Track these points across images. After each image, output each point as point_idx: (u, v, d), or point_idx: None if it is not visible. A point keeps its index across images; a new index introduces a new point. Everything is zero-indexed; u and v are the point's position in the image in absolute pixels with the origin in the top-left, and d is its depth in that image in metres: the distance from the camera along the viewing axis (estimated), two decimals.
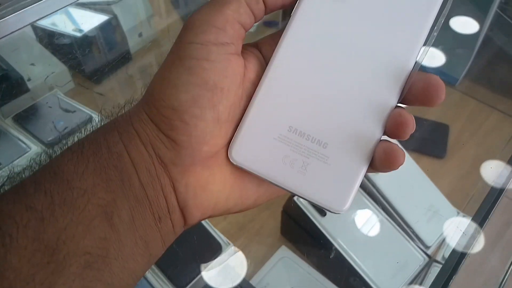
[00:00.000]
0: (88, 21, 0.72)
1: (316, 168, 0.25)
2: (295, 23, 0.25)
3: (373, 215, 0.54)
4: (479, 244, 0.49)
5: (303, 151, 0.25)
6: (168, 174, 0.23)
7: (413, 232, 0.53)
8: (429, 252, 0.52)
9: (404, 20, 0.25)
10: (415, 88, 0.24)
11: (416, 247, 0.52)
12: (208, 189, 0.24)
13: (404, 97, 0.25)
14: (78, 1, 0.64)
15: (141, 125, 0.23)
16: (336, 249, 0.50)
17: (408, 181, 0.55)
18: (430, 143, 0.66)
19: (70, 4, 0.58)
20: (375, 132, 0.24)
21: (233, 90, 0.24)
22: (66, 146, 0.24)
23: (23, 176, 0.23)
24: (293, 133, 0.25)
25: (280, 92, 0.25)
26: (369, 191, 0.54)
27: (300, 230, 0.53)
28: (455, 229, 0.53)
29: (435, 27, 0.25)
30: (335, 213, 0.25)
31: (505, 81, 0.73)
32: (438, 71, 0.73)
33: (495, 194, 0.53)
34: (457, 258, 0.46)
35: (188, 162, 0.23)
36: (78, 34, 0.70)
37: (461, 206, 0.57)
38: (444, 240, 0.53)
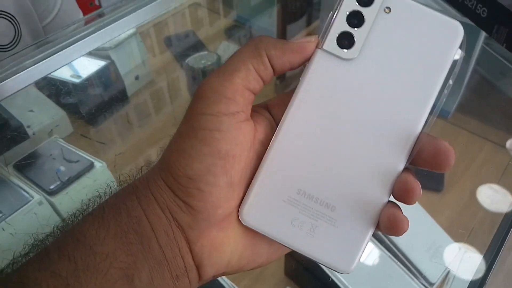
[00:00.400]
0: (86, 67, 0.73)
1: (324, 230, 0.25)
2: (304, 86, 0.26)
3: (377, 254, 0.54)
4: (489, 279, 0.49)
5: (312, 214, 0.25)
6: (185, 236, 0.24)
7: (417, 269, 0.53)
8: None
9: (412, 84, 0.25)
10: (425, 153, 0.24)
11: (420, 284, 0.52)
12: (222, 250, 0.25)
13: (414, 160, 0.25)
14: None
15: (158, 190, 0.24)
16: None
17: (410, 219, 0.55)
18: (427, 177, 0.67)
19: (72, 61, 0.60)
20: (382, 197, 0.25)
21: (244, 155, 0.25)
22: (88, 211, 0.24)
23: (47, 242, 0.24)
24: (302, 196, 0.25)
25: (289, 155, 0.25)
26: None
27: (303, 270, 0.53)
28: (458, 264, 0.53)
29: (445, 89, 0.25)
30: (342, 273, 0.26)
31: (494, 113, 0.75)
32: None
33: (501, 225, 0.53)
34: None
35: (204, 225, 0.24)
36: (76, 81, 0.71)
37: (462, 239, 0.57)
38: (447, 275, 0.53)
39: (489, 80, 0.77)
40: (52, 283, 0.21)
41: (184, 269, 0.24)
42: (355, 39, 0.25)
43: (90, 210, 0.25)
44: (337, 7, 0.26)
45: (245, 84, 0.25)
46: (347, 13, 0.25)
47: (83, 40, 0.63)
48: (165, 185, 0.24)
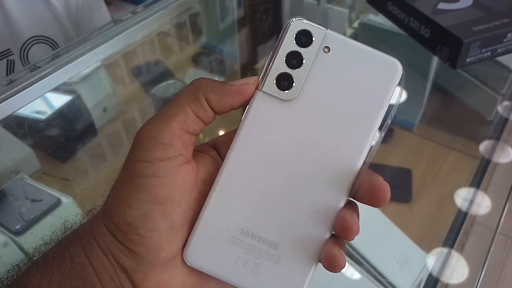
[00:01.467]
0: (52, 102, 0.73)
1: (268, 268, 0.25)
2: (244, 127, 0.26)
3: (347, 268, 0.54)
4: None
5: (255, 252, 0.26)
6: (130, 280, 0.24)
7: (387, 281, 0.53)
8: None
9: (351, 123, 0.25)
10: (362, 189, 0.25)
11: None
12: None
13: (354, 196, 0.26)
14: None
15: (101, 236, 0.24)
16: None
17: (377, 232, 0.56)
18: (395, 188, 0.67)
19: (37, 98, 0.60)
20: (323, 233, 0.25)
21: (184, 197, 0.25)
22: (32, 261, 0.25)
23: None
24: (245, 235, 0.26)
25: (231, 195, 0.26)
26: None
27: None
28: (427, 273, 0.54)
29: (384, 126, 0.26)
30: None
31: (457, 122, 0.77)
32: (394, 118, 0.76)
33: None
34: None
35: (148, 268, 0.24)
36: (42, 117, 0.71)
37: (431, 249, 0.58)
38: (418, 286, 0.54)
39: (449, 91, 0.80)
40: None
41: None
42: (294, 80, 0.25)
43: (34, 259, 0.25)
44: (276, 48, 0.26)
45: (183, 128, 0.25)
46: (286, 54, 0.25)
47: (49, 77, 0.63)
48: (107, 231, 0.24)
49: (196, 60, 1.00)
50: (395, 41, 0.76)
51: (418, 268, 0.54)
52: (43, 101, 0.72)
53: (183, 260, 0.26)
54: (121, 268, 0.24)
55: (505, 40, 0.55)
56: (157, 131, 0.24)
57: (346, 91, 0.25)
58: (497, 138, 0.70)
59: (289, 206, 0.26)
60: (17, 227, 0.54)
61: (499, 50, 0.56)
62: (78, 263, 0.24)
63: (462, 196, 0.64)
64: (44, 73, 0.63)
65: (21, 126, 0.69)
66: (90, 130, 0.77)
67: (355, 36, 0.92)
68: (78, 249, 0.24)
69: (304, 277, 0.25)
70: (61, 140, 0.73)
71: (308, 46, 0.25)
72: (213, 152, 0.28)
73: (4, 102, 0.59)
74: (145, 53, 0.96)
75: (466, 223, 0.61)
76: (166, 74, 0.92)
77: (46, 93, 0.64)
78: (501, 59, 0.78)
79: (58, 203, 0.56)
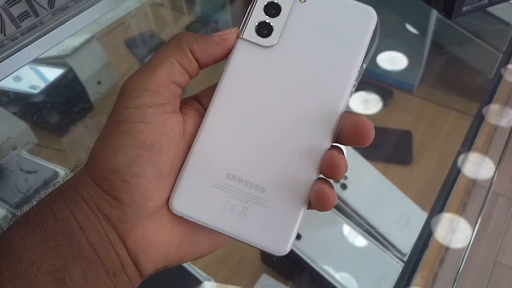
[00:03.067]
0: (43, 77, 0.72)
1: (255, 212, 0.25)
2: (227, 74, 0.26)
3: (347, 230, 0.54)
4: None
5: (242, 196, 0.25)
6: (116, 232, 0.24)
7: (388, 242, 0.53)
8: (406, 259, 0.53)
9: (331, 68, 0.26)
10: (345, 130, 0.25)
11: (393, 256, 0.53)
12: (157, 242, 0.25)
13: (337, 139, 0.26)
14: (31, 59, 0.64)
15: (85, 188, 0.24)
16: (314, 269, 0.51)
17: (377, 193, 0.56)
18: (395, 151, 0.67)
19: (25, 65, 0.58)
20: (310, 175, 0.25)
21: (172, 146, 0.25)
22: (13, 220, 0.24)
23: None
24: (231, 179, 0.26)
25: (216, 140, 0.26)
26: (340, 207, 0.54)
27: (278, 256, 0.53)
28: (427, 234, 0.54)
29: (363, 64, 0.26)
30: (277, 255, 0.25)
31: (457, 82, 0.76)
32: (394, 80, 0.75)
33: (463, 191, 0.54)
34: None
35: (134, 218, 0.24)
36: (35, 91, 0.70)
37: (431, 210, 0.58)
38: (418, 246, 0.54)
39: (448, 50, 0.78)
40: None
41: (121, 265, 0.24)
42: (273, 28, 0.26)
43: (15, 219, 0.24)
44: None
45: (170, 77, 0.25)
46: (264, 4, 0.27)
47: (31, 45, 0.62)
48: (91, 182, 0.24)
49: (190, 30, 0.99)
50: None
51: (418, 229, 0.54)
52: (34, 76, 0.71)
53: (170, 211, 0.25)
54: (106, 219, 0.23)
55: None
56: (145, 79, 0.24)
57: (323, 38, 0.26)
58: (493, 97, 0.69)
59: (275, 149, 0.26)
60: (16, 200, 0.54)
61: None
62: (62, 218, 0.23)
63: (462, 157, 0.64)
64: (27, 41, 0.61)
65: (14, 102, 0.68)
66: (85, 104, 0.76)
67: None
68: (61, 204, 0.23)
69: (293, 220, 0.25)
70: (55, 114, 0.72)
71: None
72: (197, 104, 0.27)
73: None
74: (138, 25, 0.95)
75: (466, 184, 0.61)
76: (160, 45, 0.90)
77: (28, 63, 0.63)
78: (500, 13, 0.76)
79: (55, 175, 0.56)
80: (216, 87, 0.27)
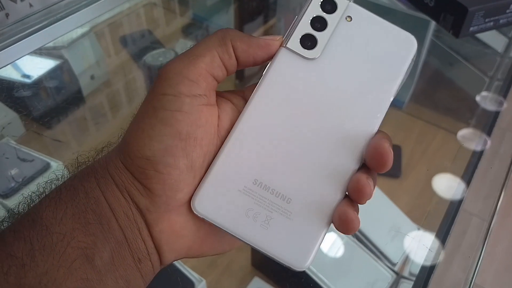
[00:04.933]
0: (38, 67, 0.71)
1: (279, 223, 0.25)
2: (266, 80, 0.26)
3: (339, 238, 0.55)
4: (442, 256, 0.51)
5: (267, 205, 0.25)
6: (144, 219, 0.24)
7: (379, 251, 0.54)
8: (396, 268, 0.54)
9: (368, 89, 0.26)
10: (367, 151, 0.25)
11: (383, 265, 0.54)
12: (182, 235, 0.25)
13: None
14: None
15: (116, 172, 0.24)
16: (307, 274, 0.51)
17: (370, 202, 0.57)
18: None
19: (18, 59, 0.57)
20: (336, 194, 0.25)
21: (206, 139, 0.24)
22: (44, 194, 0.24)
23: (2, 227, 0.23)
24: (258, 186, 0.25)
25: (248, 145, 0.25)
26: None
27: (269, 260, 0.54)
28: (418, 244, 0.55)
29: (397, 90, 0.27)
30: (296, 270, 0.25)
31: (445, 102, 0.79)
32: None
33: (451, 208, 0.56)
34: (426, 273, 0.48)
35: (163, 209, 0.24)
36: (28, 81, 0.68)
37: (420, 222, 0.59)
38: (408, 256, 0.55)
39: (439, 71, 0.81)
40: (7, 264, 0.21)
41: (146, 252, 0.24)
42: (317, 41, 0.27)
43: (46, 192, 0.24)
44: (303, 11, 0.27)
45: (209, 70, 0.25)
46: (311, 17, 0.27)
47: (31, 36, 0.61)
48: (123, 167, 0.24)
49: (185, 31, 0.99)
50: (388, 17, 0.76)
51: (408, 239, 0.55)
52: (28, 66, 0.69)
53: None
54: (136, 206, 0.23)
55: (507, 11, 0.56)
56: (184, 67, 0.24)
57: (364, 59, 0.27)
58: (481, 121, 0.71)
59: (305, 162, 0.25)
60: (5, 189, 0.52)
61: (501, 21, 0.57)
62: (93, 197, 0.23)
63: (446, 176, 0.66)
64: (25, 32, 0.60)
65: (5, 90, 0.67)
66: (77, 97, 0.75)
67: None
68: (93, 184, 0.23)
69: (316, 236, 0.25)
70: (47, 105, 0.71)
71: (332, 13, 0.27)
72: (239, 99, 0.27)
73: None
74: (132, 24, 0.94)
75: (453, 203, 0.63)
76: (155, 45, 0.90)
77: (27, 54, 0.62)
78: (488, 40, 0.79)
79: (47, 166, 0.55)
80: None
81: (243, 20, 1.02)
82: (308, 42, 0.27)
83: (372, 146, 0.25)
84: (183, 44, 0.92)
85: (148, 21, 0.97)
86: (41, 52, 0.71)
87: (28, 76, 0.69)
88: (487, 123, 0.70)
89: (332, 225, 0.25)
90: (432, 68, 0.81)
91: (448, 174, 0.66)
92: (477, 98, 0.75)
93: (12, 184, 0.53)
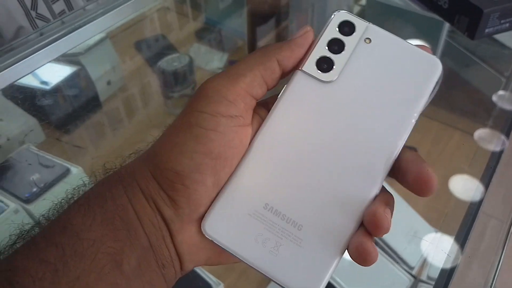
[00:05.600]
0: (56, 73, 0.72)
1: (288, 250, 0.24)
2: (281, 103, 0.26)
3: None
4: (461, 259, 0.51)
5: (277, 231, 0.24)
6: (167, 228, 0.24)
7: (396, 254, 0.54)
8: (414, 272, 0.54)
9: (388, 114, 0.25)
10: (408, 177, 0.24)
11: (401, 269, 0.54)
12: (201, 247, 0.25)
13: (399, 180, 0.25)
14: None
15: (144, 181, 0.24)
16: None
17: None
18: None
19: (39, 67, 0.58)
20: (350, 223, 0.24)
21: (236, 158, 0.25)
22: (73, 200, 0.24)
23: (34, 232, 0.24)
24: (268, 211, 0.24)
25: (260, 168, 0.25)
26: None
27: None
28: (436, 247, 0.55)
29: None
30: None
31: (462, 103, 0.78)
32: None
33: (470, 210, 0.55)
34: (445, 276, 0.47)
35: (186, 220, 0.24)
36: (47, 87, 0.70)
37: (437, 224, 0.59)
38: (426, 259, 0.55)
39: (455, 72, 0.80)
40: (41, 269, 0.21)
41: (170, 258, 0.24)
42: (334, 64, 0.26)
43: (75, 199, 0.25)
44: (320, 33, 0.27)
45: (248, 90, 0.25)
46: (328, 40, 0.26)
47: (50, 46, 0.62)
48: (151, 176, 0.24)
49: (199, 35, 0.99)
50: (402, 19, 0.76)
51: (426, 242, 0.55)
52: (47, 72, 0.71)
53: None
54: (160, 215, 0.24)
55: None
56: (224, 87, 0.24)
57: (384, 81, 0.25)
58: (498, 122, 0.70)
59: (318, 188, 0.24)
60: (27, 194, 0.53)
61: None
62: (120, 204, 0.24)
63: (464, 177, 0.65)
64: (45, 42, 0.61)
65: (25, 97, 0.68)
66: (94, 103, 0.76)
67: (362, 14, 0.92)
68: (120, 191, 0.24)
69: (327, 266, 0.23)
70: (66, 111, 0.72)
71: (350, 35, 0.26)
72: (264, 111, 0.27)
73: (3, 71, 0.58)
74: (146, 29, 0.95)
75: (469, 206, 0.62)
76: (169, 49, 0.91)
77: (47, 63, 0.63)
78: (505, 40, 0.78)
79: (67, 171, 0.56)
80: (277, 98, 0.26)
81: (256, 23, 1.02)
82: (325, 64, 0.26)
83: (416, 171, 0.23)
84: (196, 48, 0.93)
85: (162, 26, 0.98)
86: (58, 59, 0.72)
87: (46, 83, 0.70)
88: (505, 123, 0.70)
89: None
90: (448, 69, 0.81)
91: (466, 176, 0.66)
92: (494, 97, 0.74)
93: (34, 189, 0.55)
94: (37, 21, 0.60)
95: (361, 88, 0.25)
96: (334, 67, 0.26)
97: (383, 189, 0.25)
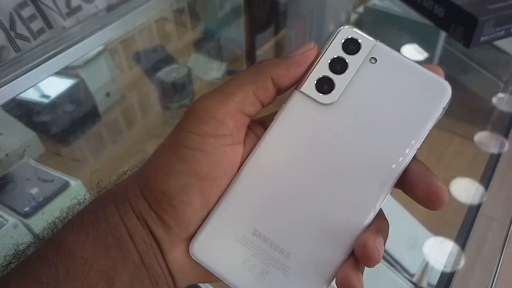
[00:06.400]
0: (55, 86, 0.72)
1: (274, 278, 0.23)
2: (276, 126, 0.25)
3: None
4: (463, 263, 0.50)
5: (264, 257, 0.24)
6: (158, 247, 0.24)
7: (397, 262, 0.54)
8: (414, 279, 0.54)
9: (390, 139, 0.24)
10: (418, 191, 0.23)
11: (401, 276, 0.53)
12: (193, 266, 0.25)
13: (408, 192, 0.24)
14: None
15: (135, 200, 0.24)
16: None
17: (386, 213, 0.57)
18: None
19: (39, 82, 0.59)
20: (339, 254, 0.23)
21: (225, 178, 0.25)
22: (67, 219, 0.25)
23: (28, 252, 0.24)
24: (257, 237, 0.24)
25: (250, 193, 0.24)
26: None
27: None
28: (436, 254, 0.55)
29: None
30: None
31: (459, 108, 0.78)
32: None
33: (470, 213, 0.55)
34: (445, 282, 0.47)
35: (175, 240, 0.24)
36: (46, 101, 0.70)
37: (438, 230, 0.59)
38: (426, 266, 0.55)
39: (452, 77, 0.81)
40: None
41: (163, 276, 0.24)
42: (335, 85, 0.25)
43: (69, 217, 0.25)
44: (322, 51, 0.25)
45: (239, 108, 0.24)
46: (331, 59, 0.25)
47: (50, 61, 0.62)
48: (141, 196, 0.24)
49: (197, 45, 1.00)
50: (400, 26, 0.76)
51: (425, 249, 0.55)
52: (46, 86, 0.71)
53: None
54: (151, 233, 0.24)
55: None
56: (212, 106, 0.24)
57: (387, 106, 0.24)
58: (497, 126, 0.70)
59: (309, 216, 0.24)
60: (26, 209, 0.54)
61: None
62: (113, 222, 0.24)
63: (464, 182, 0.65)
64: (44, 57, 0.62)
65: (24, 111, 0.68)
66: (93, 115, 0.76)
67: (359, 21, 0.92)
68: (112, 209, 0.24)
69: None
70: (65, 124, 0.72)
71: (354, 54, 0.25)
72: (260, 129, 0.26)
73: (4, 87, 0.58)
74: (144, 40, 0.96)
75: (469, 209, 0.62)
76: (167, 60, 0.91)
77: (47, 77, 0.63)
78: (502, 45, 0.78)
79: (66, 185, 0.56)
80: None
81: (254, 31, 1.02)
82: (325, 85, 0.24)
83: (427, 185, 0.23)
84: (195, 59, 0.93)
85: (160, 36, 0.99)
86: (58, 72, 0.72)
87: (46, 96, 0.71)
88: (504, 125, 0.70)
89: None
90: (445, 74, 0.81)
91: (466, 180, 0.65)
92: (493, 100, 0.74)
93: (33, 204, 0.55)
94: (17, 41, 0.60)
95: (362, 112, 0.24)
96: (335, 88, 0.24)
97: (378, 213, 0.24)
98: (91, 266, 0.22)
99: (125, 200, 0.24)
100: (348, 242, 0.23)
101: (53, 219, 0.26)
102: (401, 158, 0.23)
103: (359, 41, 0.25)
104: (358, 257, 0.23)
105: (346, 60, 0.25)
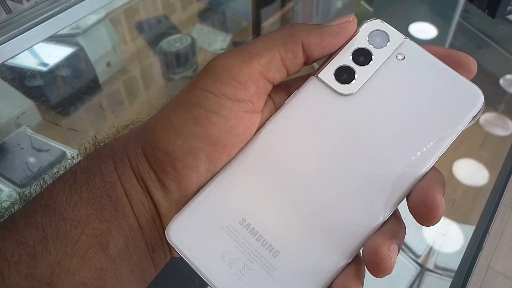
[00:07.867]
0: (53, 54, 0.70)
1: (256, 277, 0.21)
2: (287, 109, 0.23)
3: None
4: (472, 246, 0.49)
5: (249, 252, 0.21)
6: (157, 211, 0.22)
7: (405, 244, 0.53)
8: (420, 261, 0.52)
9: (413, 142, 0.22)
10: (412, 201, 0.21)
11: (407, 257, 0.52)
12: None
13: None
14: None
15: (135, 158, 0.22)
16: None
17: None
18: None
19: (36, 43, 0.56)
20: (338, 259, 0.20)
21: (237, 147, 0.22)
22: (58, 175, 0.22)
23: (13, 210, 0.22)
24: (244, 227, 0.21)
25: (247, 177, 0.22)
26: None
27: None
28: (443, 236, 0.53)
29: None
30: None
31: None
32: None
33: (478, 196, 0.54)
34: (467, 266, 0.46)
35: (175, 206, 0.22)
36: (44, 69, 0.68)
37: (445, 212, 0.57)
38: (432, 247, 0.54)
39: (466, 53, 0.78)
40: (17, 252, 0.19)
41: (161, 242, 0.23)
42: (355, 76, 0.23)
43: (60, 174, 0.22)
44: (346, 41, 0.24)
45: (264, 72, 0.22)
46: (355, 49, 0.23)
47: (43, 24, 0.59)
48: (142, 154, 0.22)
49: (202, 16, 0.97)
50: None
51: (432, 231, 0.54)
52: (44, 53, 0.69)
53: None
54: (150, 197, 0.22)
55: None
56: (235, 66, 0.21)
57: (412, 106, 0.22)
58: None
59: (309, 212, 0.21)
60: (22, 179, 0.52)
61: None
62: (109, 181, 0.22)
63: (472, 162, 0.63)
64: (40, 18, 0.59)
65: (21, 78, 0.66)
66: (93, 85, 0.74)
67: None
68: (110, 167, 0.22)
69: None
70: (63, 93, 0.70)
71: (381, 47, 0.23)
72: (281, 97, 0.24)
73: None
74: (147, 9, 0.93)
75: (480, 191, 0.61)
76: (171, 30, 0.88)
77: (42, 40, 0.61)
78: None
79: (63, 155, 0.55)
80: (307, 78, 0.23)
81: (260, 3, 1.00)
82: (345, 75, 0.23)
83: (421, 195, 0.20)
84: (199, 29, 0.90)
85: (164, 6, 0.96)
86: (56, 39, 0.70)
87: (44, 64, 0.69)
88: None
89: None
90: (459, 49, 0.78)
91: (474, 162, 0.64)
92: (501, 81, 0.71)
93: (29, 174, 0.53)
94: (8, 2, 0.58)
95: (382, 108, 0.22)
96: (355, 79, 0.23)
97: (394, 214, 0.21)
98: (83, 230, 0.20)
99: (124, 157, 0.22)
100: (352, 245, 0.21)
101: (43, 176, 0.23)
102: (423, 166, 0.21)
103: (388, 34, 0.24)
104: (367, 264, 0.20)
105: (371, 52, 0.23)
